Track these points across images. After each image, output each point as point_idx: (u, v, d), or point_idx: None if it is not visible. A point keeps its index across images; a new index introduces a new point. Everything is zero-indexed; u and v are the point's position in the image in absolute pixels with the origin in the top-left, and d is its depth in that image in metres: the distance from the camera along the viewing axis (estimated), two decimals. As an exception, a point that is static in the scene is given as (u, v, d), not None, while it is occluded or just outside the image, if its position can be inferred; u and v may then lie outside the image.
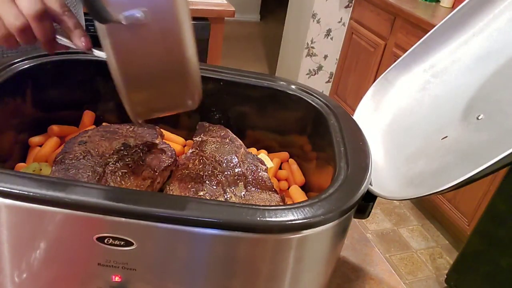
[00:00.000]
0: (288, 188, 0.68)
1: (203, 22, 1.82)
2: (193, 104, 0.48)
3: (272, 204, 0.57)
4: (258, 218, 0.42)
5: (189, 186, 0.57)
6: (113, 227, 0.42)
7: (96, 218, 0.41)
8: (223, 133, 0.70)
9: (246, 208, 0.43)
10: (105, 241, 0.42)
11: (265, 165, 0.66)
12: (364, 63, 2.69)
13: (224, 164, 0.62)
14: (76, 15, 0.83)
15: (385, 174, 0.57)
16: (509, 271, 1.52)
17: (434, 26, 0.66)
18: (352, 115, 0.65)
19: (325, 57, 3.01)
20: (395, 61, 0.68)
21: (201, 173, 0.59)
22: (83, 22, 0.88)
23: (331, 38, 2.93)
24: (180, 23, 0.41)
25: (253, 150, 0.73)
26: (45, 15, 0.47)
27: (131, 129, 0.67)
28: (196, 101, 0.48)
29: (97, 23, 0.40)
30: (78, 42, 0.50)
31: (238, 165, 0.62)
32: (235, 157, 0.64)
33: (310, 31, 2.87)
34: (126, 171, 0.56)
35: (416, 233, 2.15)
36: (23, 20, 0.47)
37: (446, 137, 0.56)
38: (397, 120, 0.66)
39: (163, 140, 0.70)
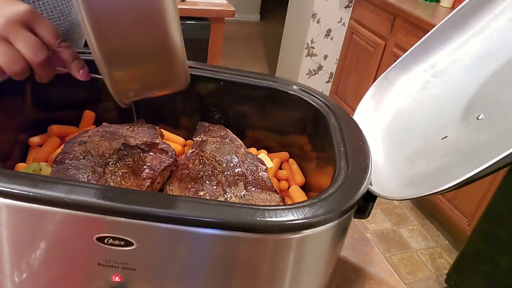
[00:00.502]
0: (288, 188, 0.68)
1: (203, 22, 1.82)
2: (180, 84, 0.46)
3: (272, 204, 0.57)
4: (258, 218, 0.42)
5: (189, 186, 0.57)
6: (113, 227, 0.42)
7: (96, 218, 0.41)
8: (223, 133, 0.70)
9: (246, 208, 0.43)
10: (105, 241, 0.42)
11: (265, 165, 0.66)
12: (364, 63, 2.69)
13: (224, 164, 0.62)
14: (76, 16, 0.84)
15: (385, 174, 0.57)
16: (509, 271, 1.52)
17: (434, 26, 0.66)
18: (352, 115, 0.65)
19: (325, 57, 3.01)
20: (395, 61, 0.68)
21: (201, 173, 0.59)
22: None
23: (331, 38, 2.93)
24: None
25: (253, 150, 0.73)
26: (49, 60, 0.47)
27: (131, 129, 0.67)
28: (183, 80, 0.46)
29: None
30: (77, 74, 0.51)
31: (238, 165, 0.62)
32: (235, 157, 0.64)
33: (310, 31, 2.87)
34: (126, 171, 0.56)
35: (416, 233, 2.15)
36: (23, 65, 0.46)
37: (446, 137, 0.56)
38: (397, 120, 0.66)
39: (163, 140, 0.70)
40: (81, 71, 0.51)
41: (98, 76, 0.48)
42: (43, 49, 0.46)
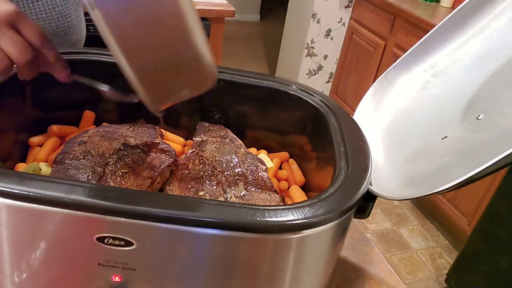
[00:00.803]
0: (288, 188, 0.68)
1: (203, 22, 1.82)
2: (210, 83, 0.47)
3: (272, 204, 0.57)
4: (258, 218, 0.42)
5: (189, 186, 0.57)
6: (113, 227, 0.42)
7: (96, 218, 0.41)
8: (223, 133, 0.70)
9: (246, 208, 0.43)
10: (105, 241, 0.42)
11: (265, 165, 0.66)
12: (364, 63, 2.69)
13: (224, 164, 0.62)
14: (77, 17, 0.84)
15: (385, 174, 0.57)
16: (509, 271, 1.52)
17: (434, 26, 0.66)
18: (352, 115, 0.65)
19: (325, 57, 3.01)
20: (395, 61, 0.68)
21: (201, 173, 0.59)
22: (83, 24, 0.89)
23: (331, 38, 2.93)
24: (178, 3, 0.40)
25: (253, 150, 0.73)
26: (34, 60, 0.48)
27: (131, 129, 0.67)
28: (213, 78, 0.47)
29: (93, 16, 0.39)
30: (58, 75, 0.52)
31: (238, 165, 0.62)
32: (235, 157, 0.64)
33: (310, 31, 2.87)
34: (126, 171, 0.56)
35: (416, 233, 2.15)
36: (6, 63, 0.46)
37: (446, 137, 0.56)
38: (397, 120, 0.66)
39: (163, 140, 0.70)
40: (63, 72, 0.52)
41: (80, 79, 0.48)
42: (29, 49, 0.47)
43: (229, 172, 0.60)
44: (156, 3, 0.39)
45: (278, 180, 0.71)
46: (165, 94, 0.47)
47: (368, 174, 0.51)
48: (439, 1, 2.48)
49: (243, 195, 0.57)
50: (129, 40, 0.41)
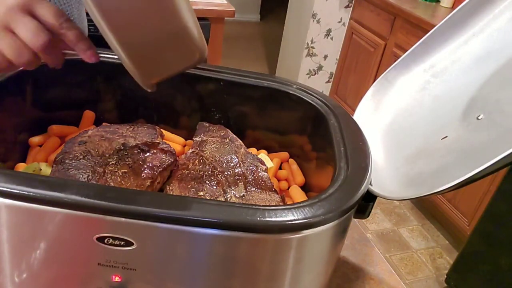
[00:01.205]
0: (288, 188, 0.68)
1: (203, 22, 1.82)
2: (200, 57, 0.46)
3: (272, 204, 0.57)
4: (258, 218, 0.42)
5: (189, 186, 0.57)
6: (113, 227, 0.42)
7: (96, 218, 0.41)
8: (223, 133, 0.70)
9: (246, 208, 0.43)
10: (105, 241, 0.42)
11: (265, 165, 0.66)
12: (364, 63, 2.69)
13: (224, 164, 0.62)
14: (79, 16, 0.84)
15: (385, 174, 0.57)
16: (509, 271, 1.52)
17: (434, 26, 0.66)
18: (352, 115, 0.65)
19: (325, 57, 3.01)
20: (395, 61, 0.68)
21: (201, 173, 0.59)
22: (85, 23, 0.88)
23: (331, 38, 2.93)
24: None
25: (253, 150, 0.73)
26: (52, 43, 0.44)
27: (131, 129, 0.67)
28: (202, 53, 0.46)
29: None
30: (84, 56, 0.48)
31: (238, 165, 0.62)
32: (235, 157, 0.64)
33: (310, 31, 2.87)
34: (126, 171, 0.56)
35: (416, 233, 2.15)
36: (29, 54, 0.44)
37: (446, 137, 0.56)
38: (397, 120, 0.66)
39: (163, 140, 0.70)
40: (88, 52, 0.48)
41: (108, 56, 0.46)
42: (43, 32, 0.44)
43: (229, 172, 0.60)
44: None
45: (278, 180, 0.71)
46: (155, 68, 0.46)
47: (368, 174, 0.51)
48: (439, 1, 2.48)
49: (243, 195, 0.57)
50: (115, 13, 0.40)
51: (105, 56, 0.69)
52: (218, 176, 0.59)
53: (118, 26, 0.41)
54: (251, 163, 0.64)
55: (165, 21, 0.42)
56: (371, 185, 0.52)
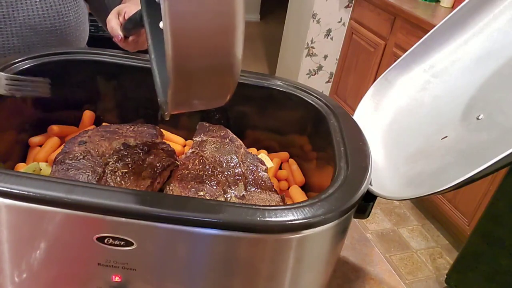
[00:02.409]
0: (288, 188, 0.68)
1: (203, 22, 1.82)
2: (225, 100, 0.47)
3: (272, 204, 0.57)
4: (258, 218, 0.42)
5: (189, 186, 0.57)
6: (113, 227, 0.42)
7: (96, 218, 0.41)
8: (223, 133, 0.70)
9: (246, 208, 0.43)
10: (105, 241, 0.42)
11: (265, 165, 0.66)
12: (364, 63, 2.69)
13: (224, 164, 0.62)
14: (76, 19, 0.85)
15: (385, 174, 0.57)
16: (509, 271, 1.52)
17: (434, 26, 0.65)
18: (352, 115, 0.65)
19: (325, 57, 3.01)
20: (395, 61, 0.68)
21: (201, 173, 0.59)
22: (84, 26, 0.89)
23: (331, 38, 2.93)
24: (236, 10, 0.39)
25: (253, 150, 0.73)
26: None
27: (131, 129, 0.67)
28: (230, 97, 0.47)
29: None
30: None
31: (238, 165, 0.62)
32: (235, 157, 0.64)
33: (310, 31, 2.87)
34: (126, 171, 0.56)
35: (416, 233, 2.15)
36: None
37: (446, 137, 0.56)
38: (397, 120, 0.66)
39: (163, 140, 0.70)
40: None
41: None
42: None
43: (229, 172, 0.60)
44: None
45: (278, 180, 0.71)
46: (188, 98, 0.45)
47: (368, 174, 0.51)
48: (439, 1, 2.47)
49: (243, 195, 0.57)
50: (185, 32, 0.39)
51: (105, 56, 0.69)
52: (218, 176, 0.59)
53: (184, 44, 0.40)
54: (251, 163, 0.64)
55: (226, 50, 0.41)
56: (371, 185, 0.52)
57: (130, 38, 0.74)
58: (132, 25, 0.69)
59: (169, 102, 0.45)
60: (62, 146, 0.62)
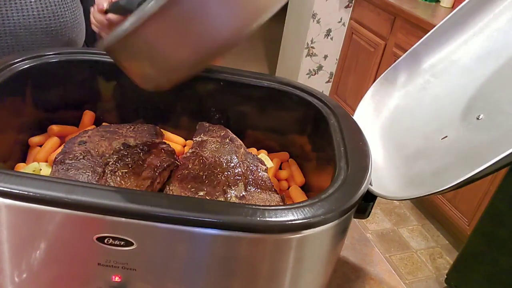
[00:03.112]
0: (288, 188, 0.68)
1: (203, 22, 1.82)
2: (145, 86, 0.45)
3: (272, 204, 0.57)
4: (258, 218, 0.42)
5: (189, 186, 0.57)
6: (113, 227, 0.42)
7: (96, 218, 0.41)
8: (223, 133, 0.70)
9: (246, 208, 0.43)
10: (105, 241, 0.42)
11: (265, 165, 0.66)
12: (364, 63, 2.69)
13: (224, 164, 0.62)
14: (72, 20, 0.85)
15: (385, 174, 0.57)
16: (509, 271, 1.52)
17: (434, 26, 0.65)
18: (352, 115, 0.65)
19: (325, 57, 3.01)
20: (395, 61, 0.68)
21: (201, 173, 0.59)
22: (81, 27, 0.88)
23: (331, 38, 2.93)
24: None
25: (253, 150, 0.73)
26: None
27: (131, 129, 0.67)
28: (152, 89, 0.45)
29: None
30: None
31: (238, 165, 0.62)
32: (235, 157, 0.64)
33: (310, 31, 2.87)
34: (126, 171, 0.56)
35: (416, 233, 2.15)
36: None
37: (446, 137, 0.56)
38: (397, 120, 0.66)
39: (163, 140, 0.70)
40: None
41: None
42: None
43: (229, 172, 0.60)
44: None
45: (278, 180, 0.71)
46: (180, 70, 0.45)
47: (368, 174, 0.51)
48: (439, 1, 2.47)
49: (243, 195, 0.57)
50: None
51: (105, 56, 0.69)
52: (218, 176, 0.59)
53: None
54: (251, 163, 0.64)
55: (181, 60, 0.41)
56: (371, 185, 0.52)
57: (109, 16, 0.70)
58: (119, 8, 0.68)
59: (108, 36, 0.44)
60: (62, 146, 0.62)
